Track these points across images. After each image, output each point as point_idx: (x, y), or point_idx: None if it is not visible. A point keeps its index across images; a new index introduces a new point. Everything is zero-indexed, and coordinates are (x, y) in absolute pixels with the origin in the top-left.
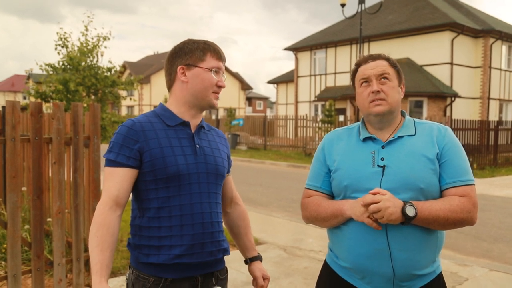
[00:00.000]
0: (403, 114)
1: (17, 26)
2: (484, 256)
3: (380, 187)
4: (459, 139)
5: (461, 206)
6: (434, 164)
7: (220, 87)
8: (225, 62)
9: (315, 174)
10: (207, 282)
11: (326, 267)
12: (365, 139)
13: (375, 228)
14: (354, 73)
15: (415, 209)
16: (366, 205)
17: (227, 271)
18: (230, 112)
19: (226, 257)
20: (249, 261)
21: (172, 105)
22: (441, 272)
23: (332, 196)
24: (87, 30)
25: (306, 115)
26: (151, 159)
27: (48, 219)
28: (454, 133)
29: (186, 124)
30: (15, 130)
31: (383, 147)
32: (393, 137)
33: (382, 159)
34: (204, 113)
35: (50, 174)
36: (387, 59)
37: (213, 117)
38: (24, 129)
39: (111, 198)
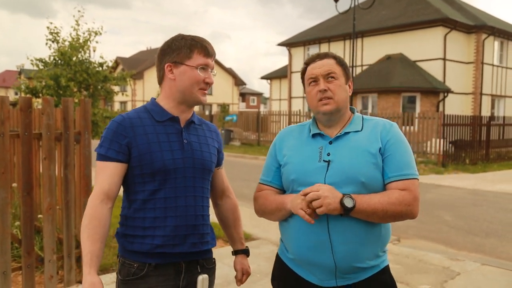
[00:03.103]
0: (352, 111)
1: (7, 21)
2: (476, 251)
3: (324, 182)
4: (452, 134)
5: (400, 199)
6: (376, 159)
7: (207, 83)
8: (213, 57)
9: (267, 169)
10: (192, 269)
11: (278, 259)
12: (314, 135)
13: (307, 220)
14: (303, 72)
15: (354, 200)
16: (305, 195)
17: (214, 262)
18: (224, 107)
19: (220, 253)
20: (234, 253)
21: (162, 101)
22: (387, 266)
23: (283, 191)
24: (78, 25)
25: (299, 110)
26: (138, 154)
27: (39, 216)
28: (446, 128)
29: (175, 120)
30: (4, 126)
31: (330, 142)
32: (340, 133)
33: (328, 154)
34: (198, 108)
35: (40, 170)
36: (334, 57)
37: (207, 112)
38: (14, 125)
39: (103, 192)
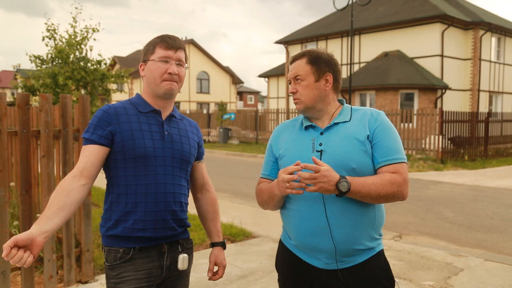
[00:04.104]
0: (341, 102)
1: (3, 20)
2: (478, 246)
3: None
4: (451, 131)
5: (391, 181)
6: (365, 146)
7: (170, 73)
8: (178, 50)
9: (265, 163)
10: (173, 250)
11: (281, 245)
12: (306, 127)
13: (297, 193)
14: None
15: (348, 184)
16: (303, 167)
17: (192, 242)
18: (221, 106)
19: None
20: (211, 245)
21: (144, 96)
22: (382, 250)
23: None
24: (75, 21)
25: None
26: (121, 139)
27: (38, 215)
28: (445, 125)
29: (157, 112)
30: (1, 122)
31: (321, 133)
32: (330, 124)
33: (320, 144)
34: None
35: (39, 168)
36: (307, 56)
37: (204, 111)
38: (12, 124)
39: (77, 169)
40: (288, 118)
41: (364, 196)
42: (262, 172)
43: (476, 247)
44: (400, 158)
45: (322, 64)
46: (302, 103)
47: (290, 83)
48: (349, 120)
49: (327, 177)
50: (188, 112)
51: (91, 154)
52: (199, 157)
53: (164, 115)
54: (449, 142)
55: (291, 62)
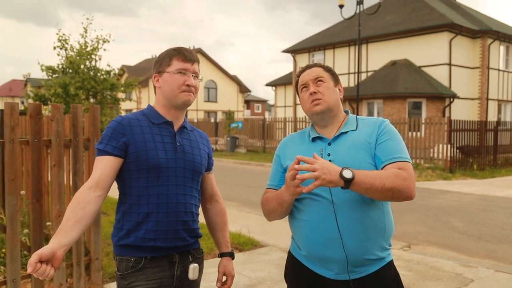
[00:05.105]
0: (347, 113)
1: (14, 30)
2: (488, 257)
3: None
4: (459, 140)
5: (396, 174)
6: (372, 154)
7: (188, 85)
8: (194, 63)
9: (272, 174)
10: (184, 259)
11: (290, 256)
12: (314, 139)
13: (308, 190)
14: (296, 84)
15: (352, 171)
16: (299, 161)
17: (202, 252)
18: (229, 115)
19: None
20: (219, 256)
21: (156, 107)
22: (391, 261)
23: None
24: (86, 32)
25: (305, 117)
26: (135, 150)
27: (48, 223)
28: (453, 134)
29: (169, 124)
30: (14, 132)
31: (329, 144)
32: (337, 134)
33: (329, 154)
34: (203, 115)
35: (49, 177)
36: (321, 66)
37: (212, 120)
38: (23, 133)
39: (93, 180)
40: (295, 126)
41: (369, 187)
42: (269, 183)
43: (486, 257)
44: (405, 157)
45: (335, 75)
46: (325, 103)
47: (303, 89)
48: (356, 129)
49: (326, 168)
50: (195, 121)
51: (105, 165)
52: (209, 168)
53: (176, 127)
54: (457, 151)
55: (304, 70)
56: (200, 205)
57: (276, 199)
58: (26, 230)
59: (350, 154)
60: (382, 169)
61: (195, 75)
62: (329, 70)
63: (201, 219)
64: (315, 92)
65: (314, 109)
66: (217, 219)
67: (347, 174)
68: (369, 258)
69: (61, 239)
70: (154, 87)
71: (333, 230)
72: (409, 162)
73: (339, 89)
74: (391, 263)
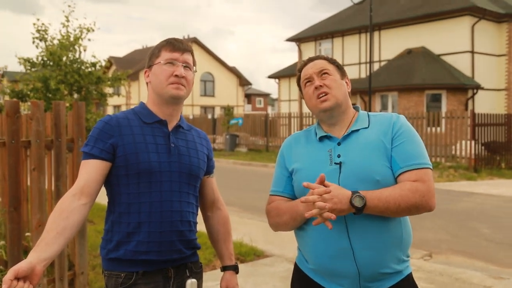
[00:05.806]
0: (357, 109)
1: None
2: None
3: (339, 184)
4: (484, 136)
5: (412, 190)
6: (388, 155)
7: (177, 76)
8: (184, 52)
9: (277, 179)
10: (181, 274)
11: (296, 270)
12: (321, 138)
13: (327, 225)
14: (298, 79)
15: (364, 199)
16: (307, 201)
17: (201, 266)
18: (228, 110)
19: None
20: (222, 269)
21: (148, 105)
22: (410, 274)
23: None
24: (68, 21)
25: (311, 112)
26: (124, 153)
27: (27, 234)
28: (478, 129)
29: (162, 123)
30: None
31: (339, 143)
32: (347, 132)
33: (339, 156)
34: (199, 111)
35: (28, 183)
36: (325, 58)
37: (209, 116)
38: None
39: (77, 186)
40: (301, 122)
41: (383, 210)
42: (274, 189)
43: None
44: (424, 163)
45: (340, 67)
46: (333, 97)
47: (307, 83)
48: (368, 127)
49: (336, 196)
50: (191, 117)
51: (91, 170)
52: (209, 171)
53: (171, 126)
54: (482, 148)
55: (306, 63)
56: (200, 213)
57: (290, 213)
58: (2, 242)
59: (363, 155)
60: (398, 175)
61: (187, 65)
62: (333, 62)
63: (199, 226)
64: (320, 86)
65: (322, 106)
66: (220, 228)
67: (358, 202)
68: (384, 272)
69: (41, 252)
70: (147, 84)
71: (343, 241)
72: (429, 168)
73: (346, 82)
74: (409, 277)
